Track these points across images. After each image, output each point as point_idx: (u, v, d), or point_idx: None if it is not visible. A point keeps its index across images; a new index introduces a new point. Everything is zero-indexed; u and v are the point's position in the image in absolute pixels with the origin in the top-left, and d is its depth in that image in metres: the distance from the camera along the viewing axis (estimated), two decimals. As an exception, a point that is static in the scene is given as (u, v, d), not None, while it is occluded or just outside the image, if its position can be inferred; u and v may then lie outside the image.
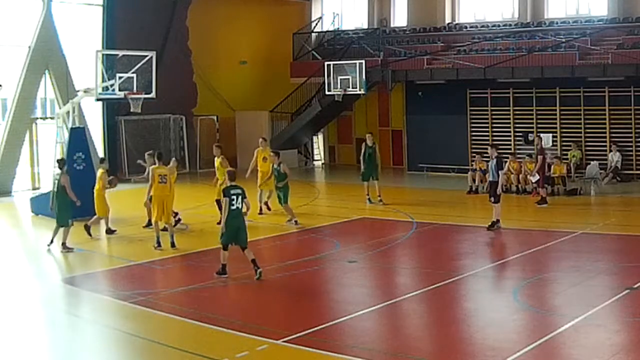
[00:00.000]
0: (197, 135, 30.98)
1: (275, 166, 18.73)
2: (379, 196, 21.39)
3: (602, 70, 24.32)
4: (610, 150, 24.93)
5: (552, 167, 22.69)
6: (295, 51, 33.29)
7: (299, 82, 31.46)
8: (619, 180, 24.57)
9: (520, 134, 26.93)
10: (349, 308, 11.59)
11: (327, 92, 27.77)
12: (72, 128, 20.30)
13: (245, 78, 32.69)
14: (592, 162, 24.62)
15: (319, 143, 34.27)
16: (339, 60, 28.45)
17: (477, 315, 11.34)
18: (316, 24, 34.42)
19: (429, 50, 29.22)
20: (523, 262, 14.51)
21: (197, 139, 30.93)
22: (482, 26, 30.24)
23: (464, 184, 24.16)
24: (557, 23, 28.26)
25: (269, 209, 20.13)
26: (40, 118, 26.46)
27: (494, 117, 27.59)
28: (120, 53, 20.28)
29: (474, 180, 23.58)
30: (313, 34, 34.11)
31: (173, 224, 16.67)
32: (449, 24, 31.16)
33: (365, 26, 33.70)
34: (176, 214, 17.67)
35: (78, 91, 21.26)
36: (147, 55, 19.79)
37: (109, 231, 17.71)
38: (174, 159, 18.40)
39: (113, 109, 27.64)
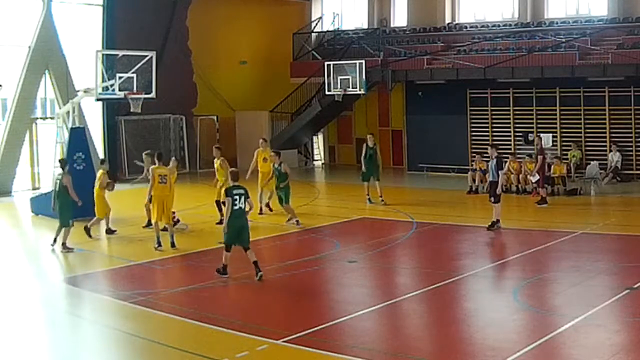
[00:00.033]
0: (197, 135, 30.99)
1: (276, 166, 18.72)
2: (381, 196, 21.38)
3: (602, 70, 24.32)
4: (610, 150, 24.94)
5: (552, 167, 22.70)
6: (295, 51, 33.29)
7: (299, 82, 31.46)
8: (619, 180, 24.57)
9: (520, 134, 26.93)
10: (349, 308, 11.59)
11: (327, 92, 27.78)
12: (72, 128, 20.30)
13: (245, 78, 32.68)
14: (592, 162, 24.62)
15: (319, 143, 34.28)
16: (339, 60, 28.45)
17: (477, 315, 11.34)
18: (316, 24, 34.43)
19: (429, 50, 29.22)
20: (523, 262, 14.51)
21: (197, 139, 30.93)
22: (482, 26, 30.25)
23: (464, 184, 24.16)
24: (557, 23, 28.27)
25: (270, 210, 20.13)
26: (40, 118, 26.46)
27: (494, 117, 27.59)
28: (120, 53, 20.30)
29: (474, 180, 23.59)
30: (313, 34, 34.12)
31: (173, 224, 16.66)
32: (449, 24, 31.16)
33: (365, 26, 33.70)
34: (173, 213, 17.63)
35: (78, 91, 21.27)
36: (147, 55, 19.80)
37: (109, 231, 17.71)
38: (173, 158, 18.40)
39: (113, 109, 27.64)
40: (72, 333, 11.11)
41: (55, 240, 16.08)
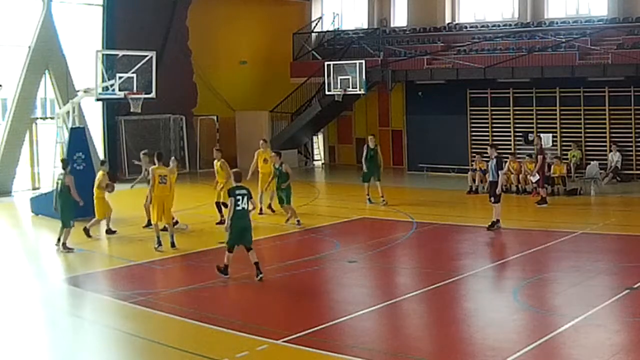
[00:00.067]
0: (197, 135, 30.99)
1: (277, 166, 18.71)
2: (382, 197, 21.38)
3: (602, 70, 24.33)
4: (610, 150, 24.94)
5: (552, 167, 22.70)
6: (295, 51, 33.29)
7: (299, 82, 31.46)
8: (619, 180, 24.57)
9: (520, 134, 26.94)
10: (349, 308, 11.59)
11: (327, 92, 27.78)
12: (72, 128, 20.30)
13: (245, 78, 32.69)
14: (592, 162, 24.62)
15: (319, 143, 34.28)
16: (339, 60, 28.46)
17: (477, 315, 11.34)
18: (316, 24, 34.43)
19: (429, 50, 29.22)
20: (523, 262, 14.51)
21: (197, 139, 30.93)
22: (482, 26, 30.25)
23: (464, 184, 24.17)
24: (557, 23, 28.27)
25: (272, 211, 20.12)
26: (40, 118, 26.46)
27: (494, 117, 27.59)
28: (120, 53, 20.29)
29: (474, 180, 23.59)
30: (313, 34, 34.12)
31: (173, 224, 16.66)
32: (449, 24, 31.17)
33: (365, 26, 33.71)
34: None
35: (78, 91, 21.26)
36: (147, 55, 19.80)
37: (109, 231, 17.71)
38: (173, 158, 18.40)
39: (113, 109, 27.64)
40: (72, 333, 11.11)
41: (59, 240, 16.07)
